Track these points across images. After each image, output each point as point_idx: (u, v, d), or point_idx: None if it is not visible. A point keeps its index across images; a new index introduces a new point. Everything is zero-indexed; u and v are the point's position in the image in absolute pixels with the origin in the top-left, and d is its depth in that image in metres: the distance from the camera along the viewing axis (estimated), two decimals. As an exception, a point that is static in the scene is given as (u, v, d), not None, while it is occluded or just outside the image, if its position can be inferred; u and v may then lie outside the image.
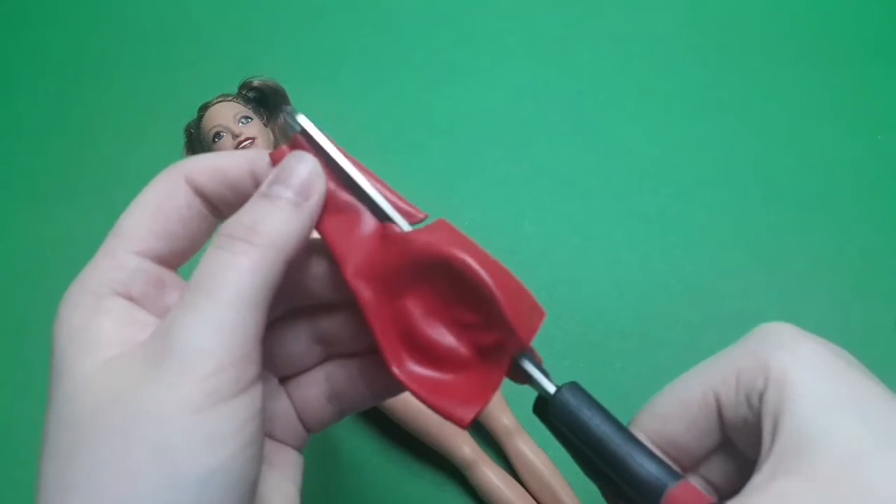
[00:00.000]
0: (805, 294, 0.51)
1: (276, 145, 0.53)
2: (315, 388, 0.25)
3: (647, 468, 0.21)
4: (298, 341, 0.25)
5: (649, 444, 0.22)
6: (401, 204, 0.23)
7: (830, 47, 0.62)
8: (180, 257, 0.22)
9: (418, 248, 0.22)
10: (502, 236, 0.53)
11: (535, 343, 0.23)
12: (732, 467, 0.23)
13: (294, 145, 0.22)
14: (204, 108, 0.54)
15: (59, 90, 0.62)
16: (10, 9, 0.66)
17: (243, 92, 0.55)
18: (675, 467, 0.22)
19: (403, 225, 0.22)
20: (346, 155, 0.23)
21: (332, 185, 0.22)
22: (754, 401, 0.20)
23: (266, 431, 0.24)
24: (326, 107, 0.56)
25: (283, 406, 0.25)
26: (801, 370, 0.20)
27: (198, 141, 0.54)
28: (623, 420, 0.23)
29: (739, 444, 0.22)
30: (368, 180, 0.22)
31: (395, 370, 0.22)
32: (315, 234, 0.22)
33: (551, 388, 0.22)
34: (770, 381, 0.20)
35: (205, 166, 0.22)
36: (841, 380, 0.20)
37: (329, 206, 0.22)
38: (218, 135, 0.52)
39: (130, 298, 0.21)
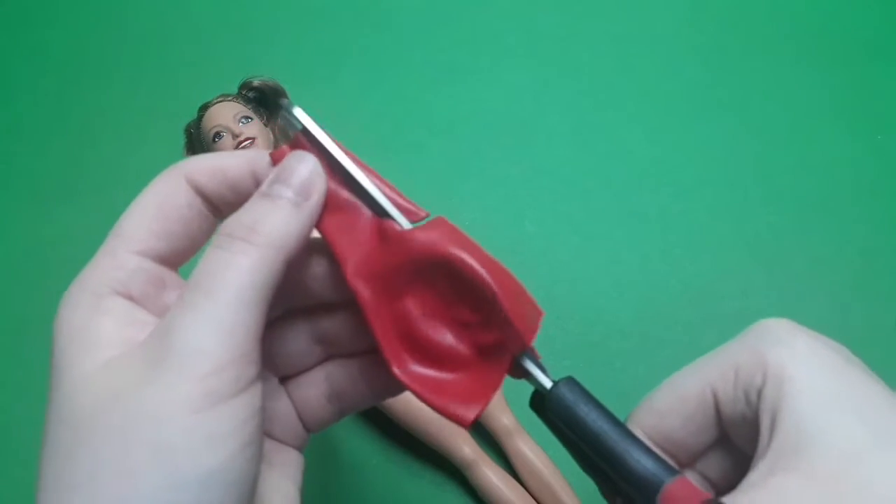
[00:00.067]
0: (805, 294, 0.51)
1: (276, 145, 0.53)
2: (315, 387, 0.25)
3: (644, 464, 0.21)
4: (298, 341, 0.25)
5: (646, 440, 0.22)
6: (401, 202, 0.23)
7: (830, 47, 0.62)
8: (181, 257, 0.22)
9: (418, 247, 0.21)
10: (503, 236, 0.53)
11: (535, 342, 0.23)
12: (729, 463, 0.23)
13: (295, 144, 0.22)
14: (204, 108, 0.54)
15: (60, 90, 0.62)
16: (11, 9, 0.66)
17: (243, 92, 0.55)
18: (671, 463, 0.22)
19: (403, 223, 0.22)
20: (345, 151, 0.22)
21: (333, 183, 0.22)
22: (752, 397, 0.20)
23: (266, 431, 0.24)
24: (326, 107, 0.56)
25: (283, 406, 0.25)
26: (799, 366, 0.20)
27: (198, 141, 0.54)
28: (621, 418, 0.23)
29: (737, 440, 0.22)
30: (368, 177, 0.22)
31: (396, 370, 0.22)
32: (315, 234, 0.22)
33: (548, 383, 0.22)
34: (768, 376, 0.20)
35: (205, 166, 0.22)
36: (840, 376, 0.19)
37: (329, 204, 0.22)
38: (218, 135, 0.52)
39: (130, 298, 0.21)
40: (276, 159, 0.22)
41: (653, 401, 0.23)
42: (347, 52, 0.62)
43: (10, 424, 0.48)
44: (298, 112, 0.22)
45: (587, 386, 0.23)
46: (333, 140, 0.22)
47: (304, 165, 0.22)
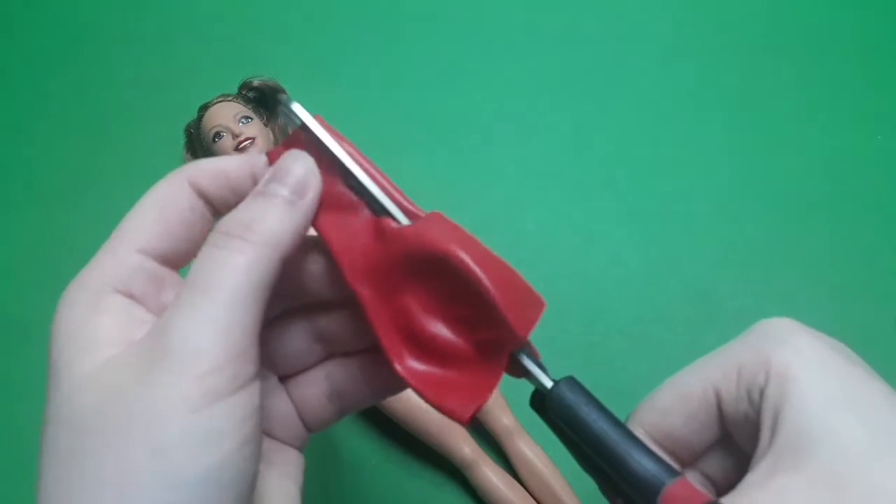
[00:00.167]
0: (805, 294, 0.51)
1: (276, 145, 0.53)
2: (315, 387, 0.25)
3: (645, 465, 0.21)
4: (298, 340, 0.25)
5: (647, 440, 0.22)
6: (401, 200, 0.23)
7: (831, 47, 0.62)
8: (182, 259, 0.22)
9: (412, 243, 0.21)
10: (503, 236, 0.53)
11: (536, 342, 0.23)
12: (731, 462, 0.22)
13: (292, 140, 0.22)
14: (204, 108, 0.54)
15: (60, 90, 0.62)
16: (11, 9, 0.66)
17: (243, 92, 0.55)
18: (672, 464, 0.22)
19: (402, 220, 0.22)
20: (348, 145, 0.22)
21: (331, 180, 0.22)
22: (755, 396, 0.20)
23: (266, 431, 0.24)
24: (326, 107, 0.56)
25: (283, 405, 0.25)
26: (802, 366, 0.20)
27: (198, 141, 0.54)
28: (622, 417, 0.23)
29: (739, 440, 0.22)
30: (368, 175, 0.22)
31: (397, 367, 0.22)
32: (313, 232, 0.22)
33: (548, 383, 0.22)
34: (771, 376, 0.20)
35: (207, 170, 0.22)
36: (843, 376, 0.19)
37: (327, 202, 0.22)
38: (218, 135, 0.52)
39: (131, 296, 0.21)
40: (272, 158, 0.22)
41: (655, 399, 0.23)
42: (347, 52, 0.62)
43: (11, 425, 0.48)
44: (297, 108, 0.22)
45: (587, 385, 0.23)
46: (334, 134, 0.22)
47: (300, 164, 0.22)
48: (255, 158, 0.23)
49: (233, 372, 0.19)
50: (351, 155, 0.22)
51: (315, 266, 0.23)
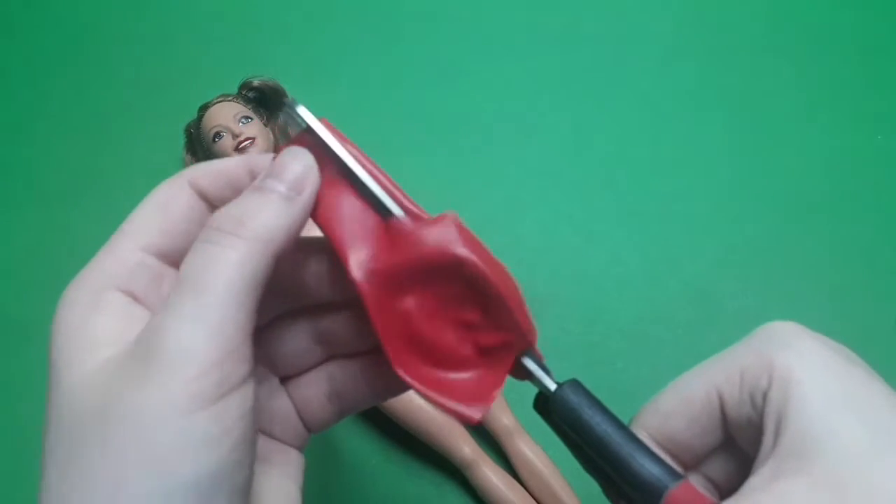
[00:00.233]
0: (805, 294, 0.51)
1: (276, 145, 0.53)
2: (316, 388, 0.25)
3: (648, 468, 0.21)
4: (299, 341, 0.25)
5: (650, 443, 0.22)
6: (406, 204, 0.23)
7: (831, 47, 0.62)
8: (183, 257, 0.22)
9: (426, 247, 0.21)
10: (503, 236, 0.53)
11: (537, 342, 0.23)
12: (734, 466, 0.22)
13: (295, 143, 0.22)
14: (204, 108, 0.54)
15: (59, 91, 0.62)
16: (11, 9, 0.66)
17: (243, 92, 0.55)
18: (675, 467, 0.22)
19: (406, 223, 0.22)
20: (353, 148, 0.22)
21: (336, 183, 0.22)
22: (758, 399, 0.20)
23: (266, 431, 0.24)
24: (326, 107, 0.56)
25: (283, 406, 0.25)
26: (805, 369, 0.20)
27: (198, 141, 0.54)
28: (624, 419, 0.23)
29: (742, 443, 0.22)
30: (374, 178, 0.22)
31: (399, 370, 0.22)
32: (317, 232, 0.22)
33: (552, 386, 0.22)
34: (774, 379, 0.20)
35: (207, 171, 0.22)
36: (846, 380, 0.19)
37: (332, 202, 0.22)
38: (218, 135, 0.51)
39: (132, 295, 0.21)
40: None
41: (658, 402, 0.23)
42: (347, 52, 0.62)
43: (11, 425, 0.48)
44: (302, 110, 0.22)
45: (588, 386, 0.23)
46: (340, 137, 0.22)
47: (298, 161, 0.21)
48: (254, 158, 0.23)
49: (225, 372, 0.18)
50: (355, 157, 0.22)
51: (318, 267, 0.23)
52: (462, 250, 0.21)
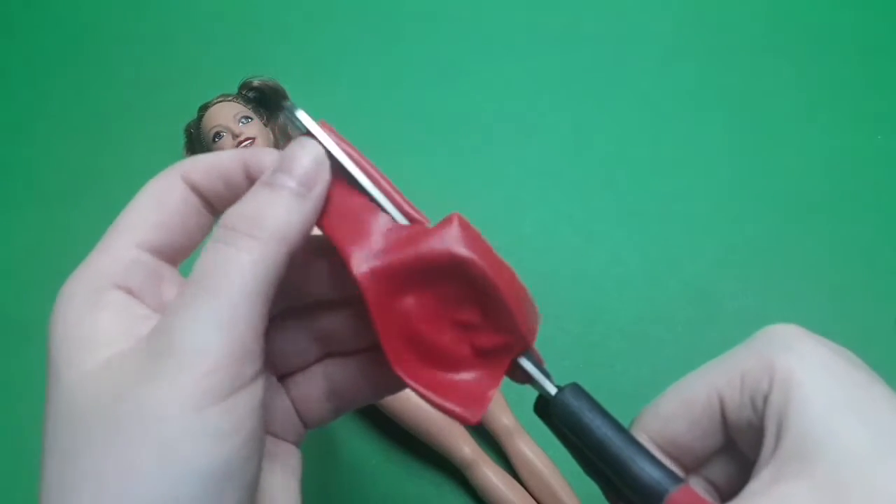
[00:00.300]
0: (805, 294, 0.51)
1: (275, 145, 0.53)
2: (314, 385, 0.25)
3: (648, 472, 0.21)
4: (297, 339, 0.25)
5: (651, 447, 0.22)
6: (406, 208, 0.23)
7: (831, 47, 0.62)
8: (178, 253, 0.22)
9: (426, 247, 0.21)
10: (503, 236, 0.52)
11: (536, 343, 0.23)
12: (735, 468, 0.22)
13: None
14: (204, 108, 0.54)
15: (59, 91, 0.62)
16: (11, 9, 0.66)
17: (243, 92, 0.55)
18: (676, 470, 0.22)
19: (406, 226, 0.22)
20: (352, 151, 0.22)
21: (337, 182, 0.22)
22: (758, 402, 0.20)
23: (266, 427, 0.24)
24: (326, 107, 0.56)
25: (281, 403, 0.25)
26: (806, 372, 0.20)
27: (198, 141, 0.54)
28: (624, 421, 0.23)
29: (742, 446, 0.22)
30: (372, 179, 0.22)
31: (398, 370, 0.22)
32: (316, 231, 0.22)
33: (552, 389, 0.22)
34: (775, 382, 0.20)
35: (200, 164, 0.22)
36: (847, 382, 0.19)
37: (334, 202, 0.22)
38: (218, 135, 0.51)
39: (129, 292, 0.21)
40: None
41: (659, 405, 0.23)
42: (347, 52, 0.62)
43: (11, 425, 0.48)
44: (301, 115, 0.22)
45: (588, 386, 0.23)
46: (338, 139, 0.22)
47: (308, 154, 0.21)
48: (248, 152, 0.22)
49: (236, 370, 0.19)
50: (354, 160, 0.22)
51: (317, 265, 0.23)
52: (463, 250, 0.21)
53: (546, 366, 0.23)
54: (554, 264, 0.52)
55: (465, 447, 0.43)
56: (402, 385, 0.22)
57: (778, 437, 0.19)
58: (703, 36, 0.62)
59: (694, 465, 0.23)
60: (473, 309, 0.22)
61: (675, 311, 0.50)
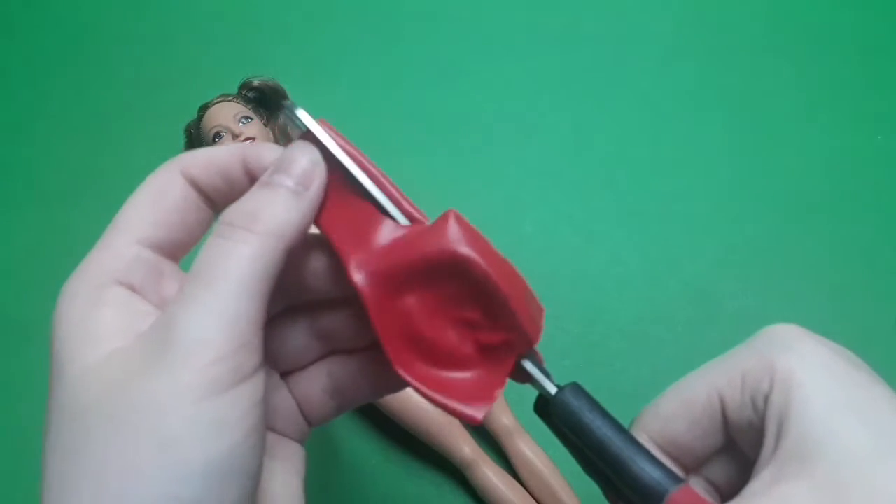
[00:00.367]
0: (805, 294, 0.51)
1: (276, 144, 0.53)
2: (316, 383, 0.25)
3: (648, 472, 0.21)
4: (299, 337, 0.25)
5: (651, 446, 0.22)
6: (406, 206, 0.23)
7: (831, 47, 0.62)
8: (178, 249, 0.23)
9: (426, 246, 0.21)
10: (503, 236, 0.52)
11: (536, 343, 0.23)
12: (735, 469, 0.22)
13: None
14: (204, 108, 0.54)
15: (59, 91, 0.62)
16: (11, 9, 0.66)
17: (243, 92, 0.55)
18: (676, 470, 0.22)
19: (405, 224, 0.22)
20: (352, 150, 0.22)
21: (336, 182, 0.22)
22: (759, 402, 0.20)
23: (268, 425, 0.24)
24: (326, 107, 0.56)
25: (284, 400, 0.25)
26: (807, 372, 0.20)
27: (198, 141, 0.54)
28: (624, 421, 0.23)
29: (743, 447, 0.22)
30: (372, 178, 0.22)
31: (400, 370, 0.22)
32: (315, 230, 0.22)
33: (552, 389, 0.22)
34: (776, 382, 0.20)
35: (199, 159, 0.22)
36: (848, 383, 0.19)
37: (332, 201, 0.22)
38: (218, 135, 0.51)
39: (131, 288, 0.21)
40: None
41: (659, 405, 0.23)
42: (347, 52, 0.62)
43: (11, 425, 0.48)
44: (301, 114, 0.22)
45: (588, 386, 0.23)
46: (339, 138, 0.22)
47: (305, 155, 0.22)
48: (247, 148, 0.23)
49: (237, 363, 0.19)
50: (354, 158, 0.22)
51: (318, 264, 0.23)
52: (464, 249, 0.21)
53: (546, 365, 0.23)
54: (554, 264, 0.52)
55: (465, 447, 0.43)
56: (404, 383, 0.22)
57: (778, 437, 0.19)
58: (703, 36, 0.62)
59: (694, 465, 0.23)
60: (475, 307, 0.22)
61: (675, 311, 0.50)
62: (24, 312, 0.51)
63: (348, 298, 0.23)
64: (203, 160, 0.22)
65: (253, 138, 0.51)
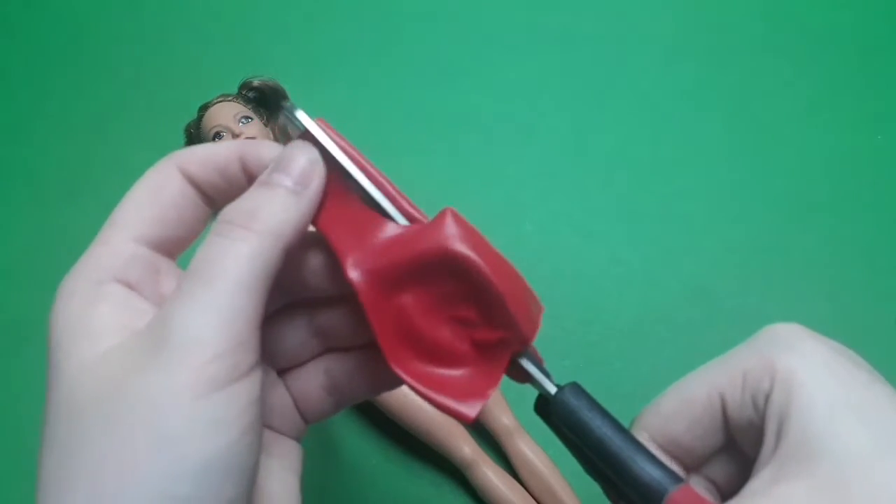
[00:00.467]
0: (805, 294, 0.51)
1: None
2: (313, 380, 0.25)
3: (648, 471, 0.21)
4: (296, 334, 0.25)
5: (651, 446, 0.22)
6: (405, 206, 0.23)
7: (831, 47, 0.62)
8: (176, 246, 0.23)
9: (422, 244, 0.21)
10: (503, 236, 0.52)
11: (535, 342, 0.23)
12: (736, 468, 0.22)
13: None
14: (204, 108, 0.54)
15: (60, 90, 0.62)
16: (11, 9, 0.66)
17: (243, 92, 0.55)
18: (676, 470, 0.22)
19: (403, 224, 0.22)
20: (351, 150, 0.22)
21: (334, 182, 0.22)
22: (760, 402, 0.20)
23: (265, 422, 0.24)
24: (326, 107, 0.56)
25: (281, 398, 0.25)
26: (808, 372, 0.20)
27: (198, 141, 0.54)
28: (624, 420, 0.23)
29: (744, 446, 0.22)
30: (371, 178, 0.22)
31: (395, 367, 0.22)
32: (314, 229, 0.22)
33: (552, 389, 0.22)
34: (776, 382, 0.20)
35: (196, 156, 0.23)
36: (849, 382, 0.19)
37: (331, 200, 0.22)
38: (218, 135, 0.51)
39: (128, 285, 0.21)
40: None
41: (660, 404, 0.23)
42: (347, 52, 0.62)
43: (11, 425, 0.48)
44: (300, 115, 0.22)
45: (587, 386, 0.23)
46: (338, 138, 0.22)
47: (303, 155, 0.22)
48: (245, 144, 0.23)
49: (234, 361, 0.19)
50: (353, 158, 0.22)
51: (316, 261, 0.23)
52: (459, 246, 0.21)
53: (546, 365, 0.23)
54: (554, 264, 0.52)
55: (465, 447, 0.43)
56: (400, 381, 0.22)
57: (779, 437, 0.19)
58: (703, 36, 0.62)
59: (695, 464, 0.23)
60: (470, 304, 0.22)
61: (675, 311, 0.50)
62: (23, 312, 0.51)
63: (345, 295, 0.23)
64: (201, 157, 0.22)
65: (253, 138, 0.51)
